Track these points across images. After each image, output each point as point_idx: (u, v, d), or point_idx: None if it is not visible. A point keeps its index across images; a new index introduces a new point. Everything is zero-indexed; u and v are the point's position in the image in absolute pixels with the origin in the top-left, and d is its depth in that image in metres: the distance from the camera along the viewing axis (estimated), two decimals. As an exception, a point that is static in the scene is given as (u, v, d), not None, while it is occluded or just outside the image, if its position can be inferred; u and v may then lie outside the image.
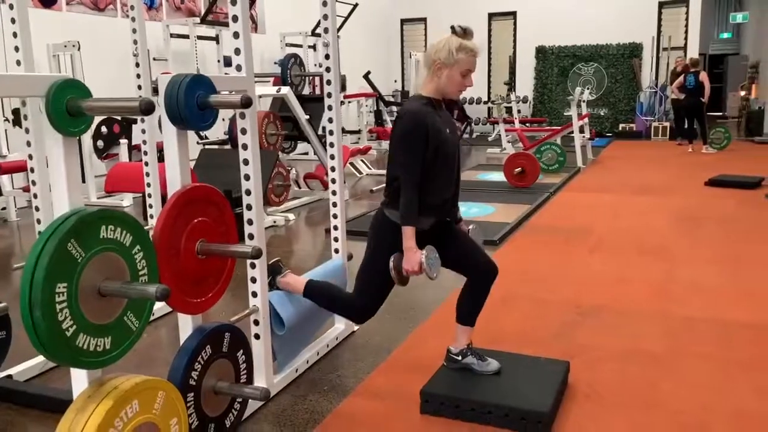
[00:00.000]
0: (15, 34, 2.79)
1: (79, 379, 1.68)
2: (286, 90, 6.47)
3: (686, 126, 11.18)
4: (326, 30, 3.01)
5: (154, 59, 7.96)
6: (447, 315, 2.89)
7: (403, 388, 2.61)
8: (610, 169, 9.19)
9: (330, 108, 3.08)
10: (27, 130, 2.88)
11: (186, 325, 2.10)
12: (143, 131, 3.70)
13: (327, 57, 3.04)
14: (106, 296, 1.61)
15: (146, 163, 3.73)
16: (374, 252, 2.49)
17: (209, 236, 2.04)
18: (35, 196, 2.93)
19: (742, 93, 14.33)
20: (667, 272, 4.20)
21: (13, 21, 2.78)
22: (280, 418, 2.45)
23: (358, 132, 11.52)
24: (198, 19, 9.00)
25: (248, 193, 2.40)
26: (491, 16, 14.86)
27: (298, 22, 11.10)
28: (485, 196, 6.99)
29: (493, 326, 3.20)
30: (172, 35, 8.75)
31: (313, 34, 11.20)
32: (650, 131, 13.23)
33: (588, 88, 12.88)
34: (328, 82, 3.06)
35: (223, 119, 8.25)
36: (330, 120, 3.09)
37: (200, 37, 9.15)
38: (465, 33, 2.37)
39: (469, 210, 6.27)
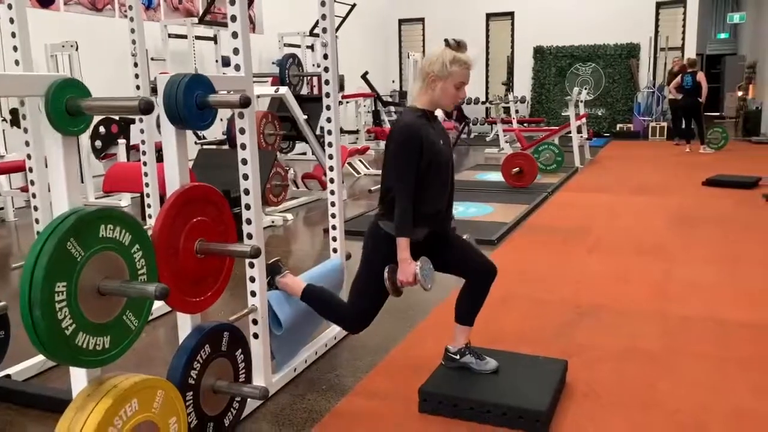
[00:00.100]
0: (13, 34, 2.79)
1: (79, 378, 1.68)
2: (284, 90, 6.47)
3: (684, 126, 11.20)
4: (324, 30, 3.02)
5: (152, 59, 7.95)
6: (445, 315, 2.89)
7: (402, 387, 2.62)
8: (607, 169, 9.20)
9: (328, 108, 3.08)
10: (26, 130, 2.88)
11: (185, 324, 2.10)
12: (141, 131, 3.70)
13: (326, 57, 3.04)
14: (105, 295, 1.61)
15: (144, 163, 3.73)
16: (369, 263, 2.51)
17: (208, 235, 2.05)
18: (34, 195, 2.93)
19: (740, 93, 14.36)
20: (665, 272, 4.21)
21: (11, 21, 2.78)
22: (279, 417, 2.46)
23: (356, 132, 11.53)
24: (196, 20, 8.99)
25: (247, 192, 2.40)
26: (489, 17, 14.86)
27: (296, 22, 11.11)
28: (483, 196, 6.99)
29: (492, 326, 3.20)
30: (170, 35, 8.75)
31: (311, 34, 11.20)
32: (648, 131, 13.25)
33: (586, 89, 12.91)
34: (327, 82, 3.06)
35: (221, 119, 8.25)
36: (328, 120, 3.10)
37: (198, 37, 9.15)
38: (459, 46, 2.40)
39: (467, 210, 6.28)
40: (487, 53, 14.91)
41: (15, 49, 2.80)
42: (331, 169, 3.14)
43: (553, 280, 4.08)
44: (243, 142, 2.38)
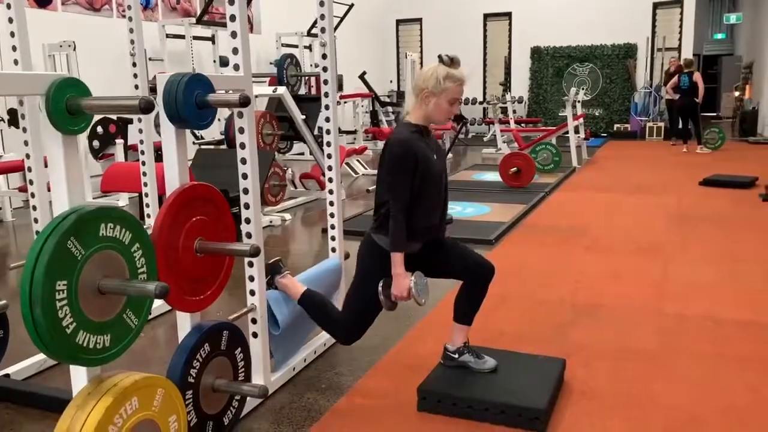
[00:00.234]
0: (12, 34, 2.79)
1: (79, 377, 1.68)
2: (282, 90, 6.47)
3: (681, 126, 11.23)
4: (323, 30, 3.02)
5: (150, 59, 7.95)
6: (444, 314, 2.90)
7: (400, 385, 2.63)
8: (605, 169, 9.22)
9: (327, 108, 3.08)
10: (24, 130, 2.88)
11: (184, 323, 2.10)
12: (140, 131, 3.70)
13: (324, 57, 3.05)
14: (105, 294, 1.61)
15: (143, 163, 3.73)
16: (363, 277, 2.53)
17: (208, 235, 2.05)
18: (32, 195, 2.93)
19: (736, 93, 14.40)
20: (663, 271, 4.22)
21: (10, 20, 2.78)
22: (278, 415, 2.46)
23: (354, 132, 11.54)
24: (194, 20, 8.99)
25: (246, 191, 2.40)
26: (486, 17, 14.88)
27: (294, 22, 11.11)
28: (481, 196, 7.01)
29: (490, 325, 3.21)
30: (168, 35, 8.75)
31: (309, 34, 11.21)
32: (645, 131, 13.27)
33: (583, 89, 12.92)
34: (326, 82, 3.07)
35: (219, 119, 8.25)
36: (327, 120, 3.10)
37: (196, 38, 9.15)
38: (452, 62, 2.42)
39: (464, 210, 6.29)
40: (485, 53, 14.93)
41: (14, 48, 2.80)
42: (330, 168, 3.14)
43: (551, 280, 4.09)
44: (242, 141, 2.38)
